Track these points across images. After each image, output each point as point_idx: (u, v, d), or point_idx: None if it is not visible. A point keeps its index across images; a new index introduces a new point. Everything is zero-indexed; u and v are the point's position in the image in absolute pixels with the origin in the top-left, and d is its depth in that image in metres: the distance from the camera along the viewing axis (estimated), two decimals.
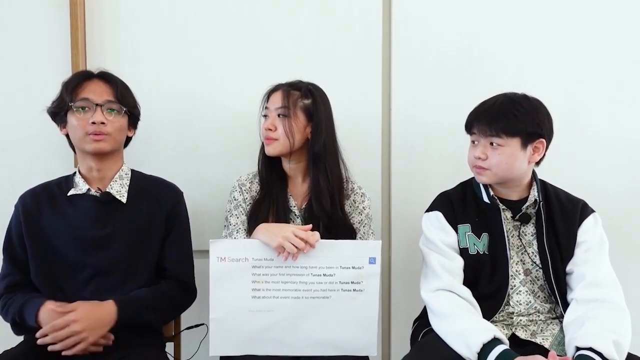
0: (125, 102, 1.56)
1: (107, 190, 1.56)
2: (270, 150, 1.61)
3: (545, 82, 1.95)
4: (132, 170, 1.65)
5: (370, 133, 1.99)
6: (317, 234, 1.45)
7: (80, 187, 1.56)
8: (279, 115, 1.59)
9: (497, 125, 1.48)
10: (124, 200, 1.57)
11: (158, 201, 1.61)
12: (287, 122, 1.58)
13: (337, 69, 1.95)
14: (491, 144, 1.51)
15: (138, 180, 1.63)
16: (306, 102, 1.61)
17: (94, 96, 1.51)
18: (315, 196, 1.60)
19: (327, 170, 1.60)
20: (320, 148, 1.60)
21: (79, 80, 1.54)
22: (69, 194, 1.55)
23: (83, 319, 1.39)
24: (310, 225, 1.49)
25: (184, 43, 1.92)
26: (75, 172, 1.60)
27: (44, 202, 1.56)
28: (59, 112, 1.53)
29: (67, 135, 1.57)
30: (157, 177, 1.69)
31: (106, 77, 1.56)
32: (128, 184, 1.60)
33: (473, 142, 1.57)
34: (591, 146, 2.02)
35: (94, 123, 1.49)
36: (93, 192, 1.56)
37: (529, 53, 1.99)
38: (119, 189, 1.58)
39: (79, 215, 1.54)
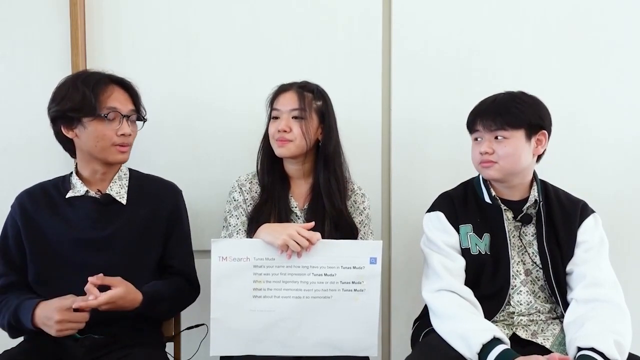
0: (142, 111, 1.58)
1: (107, 192, 1.55)
2: (284, 152, 1.59)
3: (545, 83, 1.95)
4: (130, 170, 1.65)
5: (370, 134, 1.99)
6: (318, 233, 1.45)
7: (78, 188, 1.55)
8: (293, 117, 1.58)
9: (502, 118, 1.50)
10: (123, 201, 1.56)
11: (158, 201, 1.61)
12: (304, 123, 1.57)
13: (337, 70, 1.95)
14: (496, 137, 1.52)
15: (136, 179, 1.63)
16: (319, 103, 1.61)
17: (120, 106, 1.50)
18: (328, 196, 1.60)
19: (336, 171, 1.62)
20: (332, 149, 1.61)
21: (102, 85, 1.49)
22: (67, 196, 1.54)
23: (121, 298, 1.40)
24: (313, 223, 1.49)
25: (184, 43, 1.92)
26: (71, 173, 1.59)
27: (42, 204, 1.54)
28: (75, 115, 1.47)
29: (70, 138, 1.52)
30: (155, 176, 1.68)
31: (126, 85, 1.55)
32: (127, 184, 1.60)
33: (476, 139, 1.57)
34: (591, 147, 2.02)
35: (122, 135, 1.49)
36: (92, 193, 1.55)
37: (529, 54, 1.99)
38: (119, 190, 1.57)
39: (79, 217, 1.53)
